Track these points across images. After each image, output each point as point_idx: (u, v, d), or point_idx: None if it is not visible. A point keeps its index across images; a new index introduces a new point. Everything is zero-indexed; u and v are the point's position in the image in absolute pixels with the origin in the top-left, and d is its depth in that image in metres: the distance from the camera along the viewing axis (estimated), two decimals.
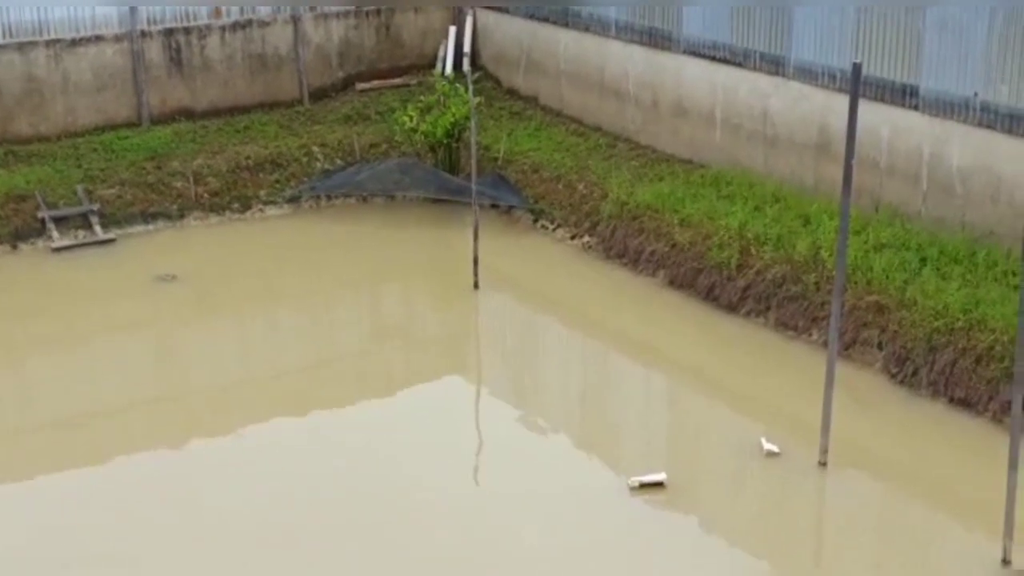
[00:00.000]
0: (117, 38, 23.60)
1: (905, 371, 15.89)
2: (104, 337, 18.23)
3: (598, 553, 13.01)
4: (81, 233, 21.17)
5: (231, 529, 13.45)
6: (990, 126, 17.31)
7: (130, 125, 23.86)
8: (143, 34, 23.77)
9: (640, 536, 13.31)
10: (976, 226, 17.53)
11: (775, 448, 14.57)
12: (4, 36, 22.72)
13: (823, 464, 14.22)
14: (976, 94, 17.40)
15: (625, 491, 13.93)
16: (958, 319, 15.63)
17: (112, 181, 22.07)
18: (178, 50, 24.20)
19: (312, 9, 25.37)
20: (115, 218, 21.54)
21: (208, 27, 24.39)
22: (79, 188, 21.69)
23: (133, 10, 23.48)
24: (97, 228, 21.22)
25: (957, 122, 17.72)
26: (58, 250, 20.75)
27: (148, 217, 21.82)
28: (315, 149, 23.64)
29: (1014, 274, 16.10)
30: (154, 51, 23.98)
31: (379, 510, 13.71)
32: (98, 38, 23.45)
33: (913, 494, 13.97)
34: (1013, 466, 12.36)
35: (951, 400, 15.36)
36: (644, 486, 13.92)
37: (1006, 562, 12.48)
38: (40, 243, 20.90)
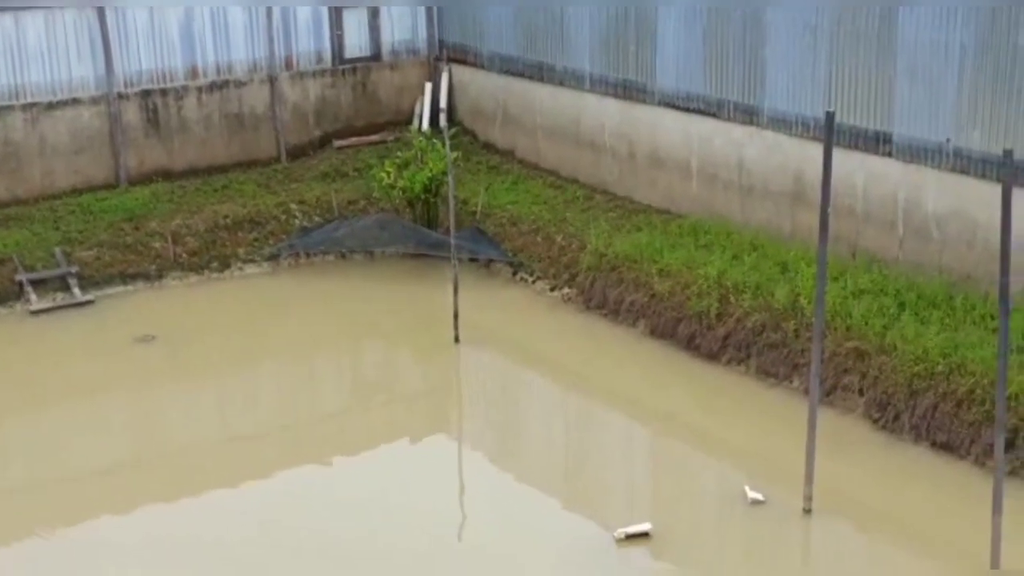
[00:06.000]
0: (94, 100, 23.66)
1: (887, 416, 15.92)
2: (82, 399, 18.12)
3: None
4: (59, 295, 21.10)
5: None
6: (963, 171, 17.47)
7: (108, 187, 23.87)
8: (120, 96, 23.83)
9: None
10: (953, 270, 17.64)
11: (759, 496, 14.55)
12: None
13: (808, 511, 14.19)
14: (949, 140, 17.57)
15: (611, 543, 13.87)
16: (938, 363, 15.68)
17: (90, 243, 22.04)
18: (155, 111, 24.27)
19: (288, 68, 25.50)
20: (93, 280, 21.47)
21: (185, 88, 24.48)
22: (57, 250, 21.65)
23: (110, 72, 23.55)
24: (75, 290, 21.15)
25: (931, 168, 17.89)
26: (36, 313, 20.65)
27: (127, 278, 21.76)
28: (293, 207, 23.67)
29: (992, 317, 16.20)
30: (131, 113, 24.04)
31: (361, 566, 13.61)
32: (75, 101, 23.50)
33: (898, 539, 13.95)
34: (997, 509, 12.37)
35: (933, 444, 15.38)
36: (630, 537, 13.86)
37: None
38: (18, 306, 20.80)
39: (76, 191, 23.57)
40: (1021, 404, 14.67)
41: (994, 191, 16.56)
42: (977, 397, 15.12)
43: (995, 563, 12.41)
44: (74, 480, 15.83)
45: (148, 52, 24.05)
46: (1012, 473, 14.16)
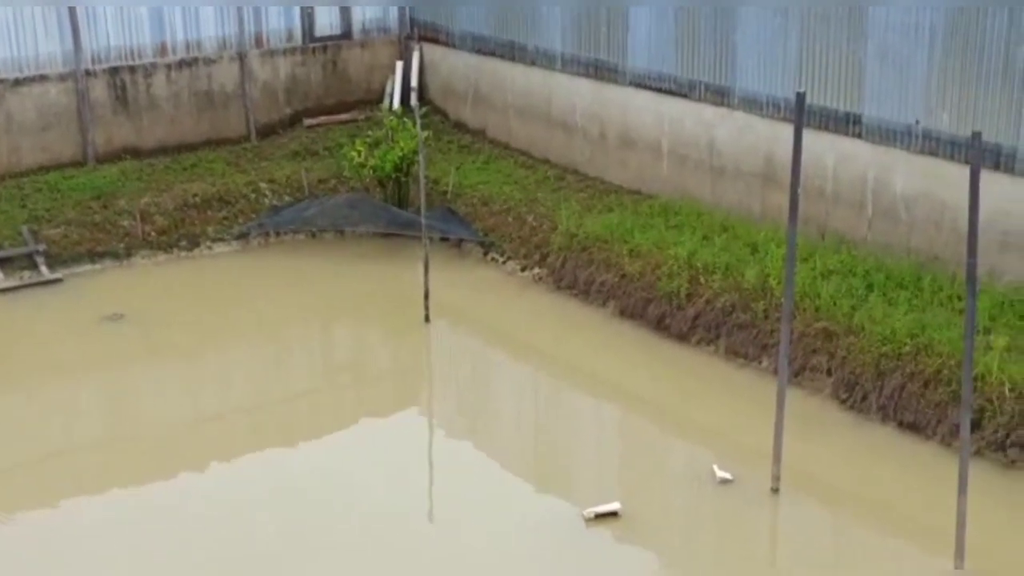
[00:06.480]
0: (61, 77, 23.45)
1: (854, 396, 16.01)
2: (51, 378, 17.99)
3: None
4: (27, 274, 20.93)
5: (170, 569, 13.28)
6: (932, 153, 17.56)
7: (75, 164, 23.69)
8: (88, 73, 23.63)
9: (596, 567, 13.28)
10: (921, 251, 17.74)
11: (728, 475, 14.62)
12: None
13: (775, 490, 14.27)
14: (918, 122, 17.65)
15: (580, 522, 13.91)
16: (905, 344, 15.78)
17: (58, 221, 21.88)
18: (123, 88, 24.08)
19: (258, 46, 25.34)
20: (61, 258, 21.32)
21: (153, 65, 24.30)
22: (24, 228, 21.48)
23: (77, 48, 23.34)
24: (43, 268, 21.01)
25: (900, 149, 17.97)
26: (3, 291, 20.49)
27: (95, 256, 21.62)
28: (263, 186, 23.56)
29: (959, 298, 16.30)
30: (99, 90, 23.85)
31: (333, 547, 13.60)
32: (42, 77, 23.29)
33: (865, 518, 14.04)
34: (963, 489, 12.47)
35: (900, 424, 15.49)
36: (599, 516, 13.91)
37: None
38: None
39: (43, 169, 23.37)
40: (987, 385, 14.79)
41: (962, 173, 16.64)
42: (944, 377, 15.23)
43: (960, 542, 12.52)
44: (42, 460, 15.74)
45: (116, 29, 23.85)
46: (977, 453, 14.29)
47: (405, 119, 23.22)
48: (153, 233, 22.21)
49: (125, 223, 22.17)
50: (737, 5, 19.76)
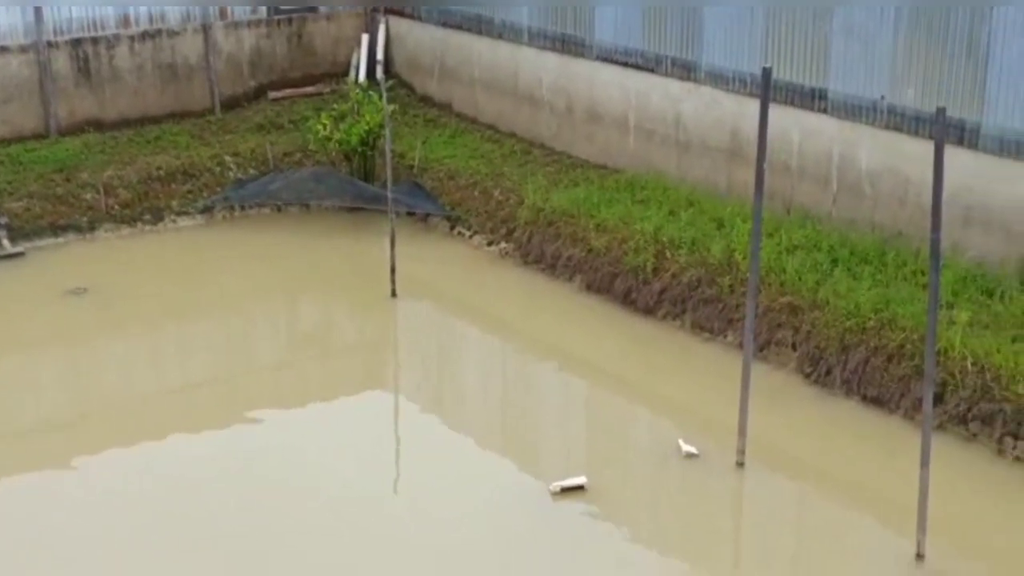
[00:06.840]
0: (23, 49, 23.18)
1: (819, 371, 16.11)
2: (13, 353, 17.86)
3: (521, 559, 13.03)
4: None
5: (136, 547, 13.25)
6: (897, 128, 17.64)
7: (37, 137, 23.44)
8: (49, 44, 23.37)
9: (562, 541, 13.33)
10: (885, 226, 17.85)
11: (693, 449, 14.70)
12: None
13: (740, 464, 14.37)
14: (883, 97, 17.72)
15: (546, 496, 13.96)
16: (869, 318, 15.88)
17: (20, 194, 21.67)
18: (86, 60, 23.84)
19: (222, 17, 25.14)
20: (24, 231, 21.12)
21: (116, 37, 24.06)
22: None
23: (39, 20, 23.08)
24: (5, 242, 20.81)
25: (865, 125, 18.05)
26: None
27: (58, 230, 21.43)
28: (228, 159, 23.40)
29: (923, 273, 16.42)
30: (61, 61, 23.60)
31: (297, 521, 13.60)
32: (3, 49, 23.02)
33: (829, 492, 14.17)
34: (925, 462, 12.59)
35: (864, 398, 15.60)
36: (565, 490, 13.96)
37: (919, 556, 12.72)
38: None
39: (5, 141, 23.12)
40: (949, 359, 14.92)
41: (926, 148, 16.75)
42: (907, 352, 15.35)
43: (922, 514, 12.64)
44: (4, 436, 15.63)
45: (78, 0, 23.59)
46: (940, 427, 14.42)
47: (371, 92, 23.10)
48: (117, 206, 22.03)
49: (88, 196, 21.98)
50: None
